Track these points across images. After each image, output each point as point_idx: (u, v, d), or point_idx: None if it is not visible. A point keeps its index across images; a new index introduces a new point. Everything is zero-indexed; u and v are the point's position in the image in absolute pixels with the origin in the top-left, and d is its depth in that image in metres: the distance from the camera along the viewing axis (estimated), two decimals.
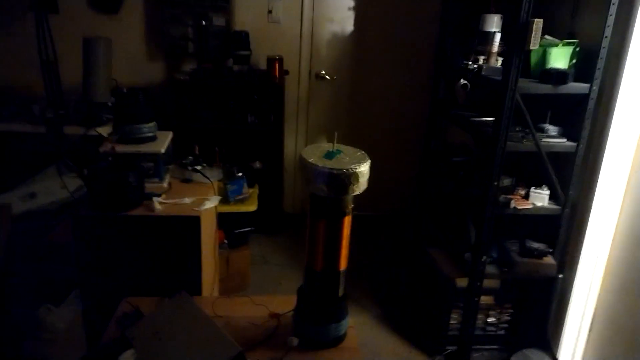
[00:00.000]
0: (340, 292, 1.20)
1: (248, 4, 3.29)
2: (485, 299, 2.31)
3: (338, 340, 1.24)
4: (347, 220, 1.13)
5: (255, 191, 2.92)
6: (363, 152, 1.15)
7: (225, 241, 2.73)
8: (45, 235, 2.38)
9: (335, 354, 1.22)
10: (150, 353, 1.02)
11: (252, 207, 2.78)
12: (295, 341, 1.18)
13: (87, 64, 2.59)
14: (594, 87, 1.94)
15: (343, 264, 1.17)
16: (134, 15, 3.28)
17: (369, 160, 1.10)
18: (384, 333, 2.53)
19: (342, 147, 1.16)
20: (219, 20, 3.17)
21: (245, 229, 2.82)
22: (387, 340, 2.47)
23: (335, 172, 1.04)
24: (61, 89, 2.78)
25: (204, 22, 3.11)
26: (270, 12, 3.33)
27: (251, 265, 2.89)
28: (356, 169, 1.05)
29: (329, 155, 1.11)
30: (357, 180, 1.06)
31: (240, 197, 2.78)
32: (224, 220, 2.58)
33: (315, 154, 1.10)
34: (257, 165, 3.21)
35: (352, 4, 3.38)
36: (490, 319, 2.38)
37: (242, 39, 3.14)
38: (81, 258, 1.56)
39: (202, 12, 3.12)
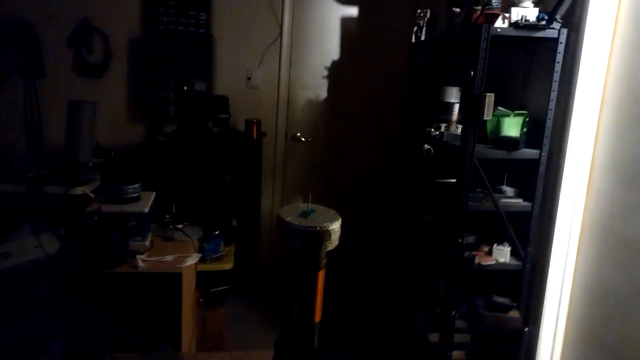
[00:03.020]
0: (316, 344, 1.27)
1: (228, 71, 3.50)
2: (457, 354, 2.38)
3: None
4: (321, 274, 1.23)
5: (231, 249, 2.96)
6: (335, 211, 1.27)
7: (201, 300, 2.73)
8: (20, 294, 2.36)
9: None
10: None
11: (228, 265, 2.81)
12: None
13: (72, 126, 2.69)
14: (544, 153, 2.15)
15: (318, 316, 1.25)
16: (118, 80, 3.43)
17: (340, 219, 1.22)
18: None
19: (316, 206, 1.28)
20: (200, 86, 3.35)
21: (221, 288, 2.84)
22: None
23: (309, 229, 1.15)
24: (43, 149, 2.86)
25: (185, 87, 3.28)
26: (249, 78, 3.55)
27: (227, 324, 2.88)
28: (328, 226, 1.17)
29: (304, 214, 1.22)
30: (330, 237, 1.17)
31: (216, 255, 2.82)
32: (199, 279, 2.60)
33: (291, 213, 1.22)
34: (234, 223, 3.28)
35: (325, 72, 3.64)
36: None
37: (222, 103, 3.32)
38: (65, 314, 1.59)
39: (184, 78, 3.31)
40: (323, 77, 3.65)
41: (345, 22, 3.60)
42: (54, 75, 3.32)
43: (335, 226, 1.19)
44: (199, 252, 1.90)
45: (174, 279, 1.61)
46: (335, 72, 3.65)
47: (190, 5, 3.26)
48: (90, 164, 2.80)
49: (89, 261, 1.54)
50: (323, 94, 3.69)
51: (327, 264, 1.26)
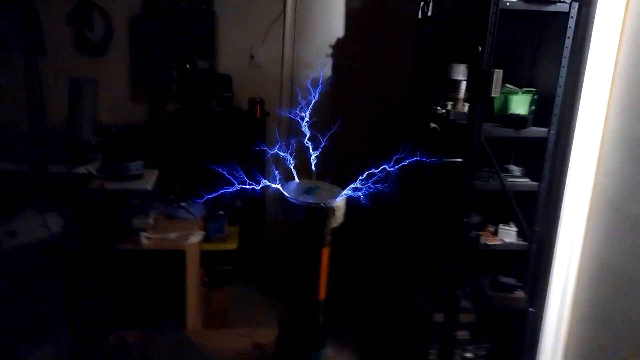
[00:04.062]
0: (320, 321, 1.27)
1: (231, 49, 3.45)
2: (461, 334, 2.38)
3: None
4: (325, 252, 1.21)
5: (236, 230, 2.97)
6: (339, 187, 1.24)
7: (206, 280, 2.75)
8: (25, 274, 2.37)
9: None
10: None
11: (232, 245, 2.82)
12: None
13: (74, 103, 2.66)
14: (552, 131, 2.11)
15: (322, 294, 1.24)
16: (120, 58, 3.39)
17: (345, 196, 1.20)
18: None
19: (320, 183, 1.26)
20: (202, 64, 3.30)
21: (227, 268, 2.85)
22: None
23: (313, 206, 1.13)
24: (46, 128, 2.85)
25: (188, 66, 3.24)
26: (252, 57, 3.49)
27: (232, 304, 2.90)
28: (332, 203, 1.15)
29: (308, 190, 1.20)
30: (334, 214, 1.15)
31: (221, 235, 2.82)
32: (204, 259, 2.60)
33: (294, 190, 1.20)
34: (238, 204, 3.27)
35: (330, 51, 3.58)
36: (467, 354, 2.43)
37: (225, 81, 3.27)
38: (69, 292, 1.59)
39: (186, 56, 3.26)
40: (327, 55, 3.59)
41: None
42: (56, 53, 3.28)
43: (340, 203, 1.17)
44: (202, 230, 1.89)
45: (178, 256, 1.60)
46: (340, 49, 3.58)
47: None
48: (94, 143, 2.78)
49: (92, 238, 1.54)
50: (327, 72, 3.63)
51: (332, 244, 1.24)
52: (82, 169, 2.69)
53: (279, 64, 3.53)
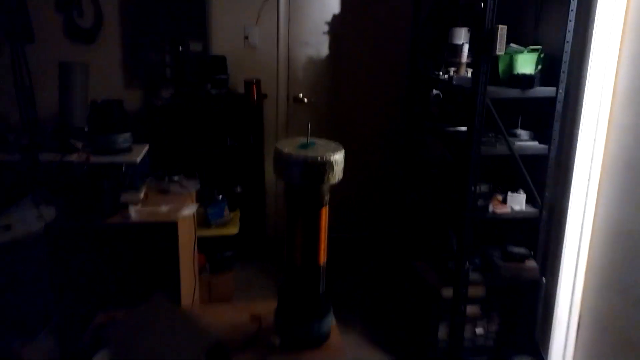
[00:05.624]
0: (322, 289, 1.19)
1: (225, 30, 3.36)
2: (472, 310, 2.30)
3: (322, 338, 1.21)
4: (325, 212, 1.13)
5: (236, 215, 2.89)
6: (337, 142, 1.16)
7: (207, 265, 2.67)
8: (20, 267, 2.31)
9: (320, 354, 1.19)
10: (125, 351, 0.98)
11: (233, 230, 2.75)
12: (277, 340, 1.15)
13: (63, 87, 2.58)
14: (560, 90, 2.01)
15: (322, 258, 1.16)
16: (111, 44, 3.31)
17: (343, 150, 1.11)
18: (371, 350, 2.48)
19: (316, 139, 1.17)
20: (195, 46, 3.22)
21: (228, 253, 2.78)
22: (375, 357, 2.42)
23: (309, 160, 1.04)
24: (37, 116, 2.77)
25: (181, 48, 3.16)
26: (246, 37, 3.40)
27: (235, 290, 2.83)
28: (330, 157, 1.06)
29: (304, 146, 1.12)
30: (332, 169, 1.07)
31: (221, 220, 2.75)
32: (205, 245, 2.53)
33: (290, 145, 1.11)
34: (238, 189, 3.19)
35: (326, 28, 3.48)
36: (478, 330, 2.35)
37: (220, 63, 3.18)
38: (56, 273, 1.51)
39: (179, 39, 3.18)
40: (324, 32, 3.49)
41: None
42: (44, 40, 3.20)
43: (338, 157, 1.09)
44: (199, 217, 1.81)
45: (170, 229, 1.53)
46: (337, 26, 3.49)
47: None
48: (86, 129, 2.70)
49: (78, 212, 1.46)
50: (324, 50, 3.54)
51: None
52: (74, 157, 2.62)
53: (274, 44, 3.44)
